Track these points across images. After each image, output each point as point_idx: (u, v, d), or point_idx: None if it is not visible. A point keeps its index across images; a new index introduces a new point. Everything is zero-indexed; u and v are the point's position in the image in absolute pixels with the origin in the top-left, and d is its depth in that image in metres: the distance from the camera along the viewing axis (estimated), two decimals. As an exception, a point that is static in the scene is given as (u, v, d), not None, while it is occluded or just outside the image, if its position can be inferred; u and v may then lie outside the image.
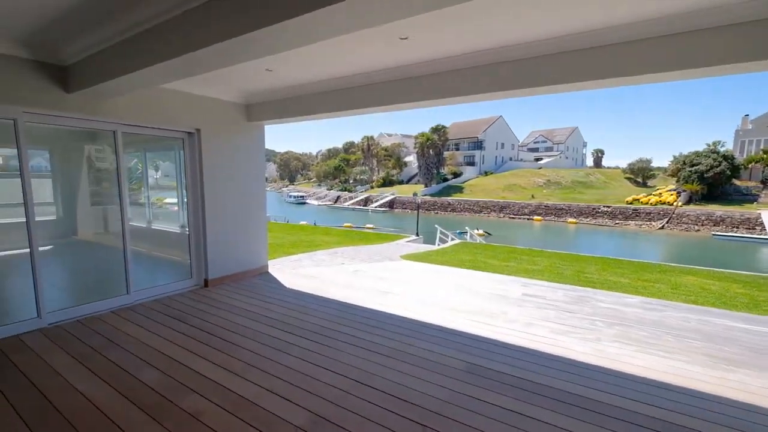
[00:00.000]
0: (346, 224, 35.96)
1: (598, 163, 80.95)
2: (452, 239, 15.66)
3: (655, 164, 55.10)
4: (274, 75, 4.83)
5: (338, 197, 61.09)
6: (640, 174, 54.12)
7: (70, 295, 4.83)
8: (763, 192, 36.93)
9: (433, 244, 15.11)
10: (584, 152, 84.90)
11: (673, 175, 43.29)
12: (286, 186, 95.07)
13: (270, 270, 6.98)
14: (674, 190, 41.68)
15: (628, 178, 55.97)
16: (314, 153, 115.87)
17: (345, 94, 5.03)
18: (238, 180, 6.24)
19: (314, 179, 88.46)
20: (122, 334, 4.08)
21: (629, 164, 56.39)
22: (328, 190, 69.16)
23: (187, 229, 5.80)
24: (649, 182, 52.87)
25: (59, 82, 4.19)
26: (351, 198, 58.31)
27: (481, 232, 32.14)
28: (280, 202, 65.67)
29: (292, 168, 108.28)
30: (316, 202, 61.97)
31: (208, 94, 5.66)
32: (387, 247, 11.14)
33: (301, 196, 65.50)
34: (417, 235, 14.41)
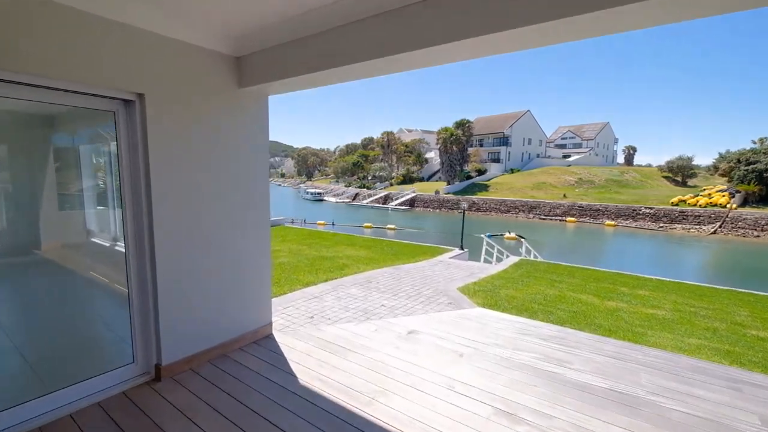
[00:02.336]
0: (365, 224, 33.68)
1: (629, 160, 76.56)
2: (498, 250, 12.93)
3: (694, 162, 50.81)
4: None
5: (356, 194, 58.80)
6: (680, 173, 49.81)
7: None
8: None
9: (479, 258, 12.45)
10: (615, 149, 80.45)
11: (724, 175, 39.24)
12: (304, 182, 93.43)
13: (275, 330, 4.35)
14: (725, 190, 37.72)
15: (666, 177, 51.82)
16: (332, 149, 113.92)
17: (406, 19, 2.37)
18: (222, 189, 3.60)
19: (332, 175, 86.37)
20: None
21: (668, 162, 52.24)
22: (346, 186, 66.83)
23: (126, 274, 3.22)
24: (690, 181, 48.67)
25: None
26: (370, 195, 55.92)
27: (513, 235, 29.26)
28: (296, 198, 63.79)
29: (309, 164, 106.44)
30: (333, 200, 59.77)
31: (161, 30, 3.02)
32: (432, 269, 8.47)
33: (318, 193, 63.62)
34: (461, 248, 11.68)
